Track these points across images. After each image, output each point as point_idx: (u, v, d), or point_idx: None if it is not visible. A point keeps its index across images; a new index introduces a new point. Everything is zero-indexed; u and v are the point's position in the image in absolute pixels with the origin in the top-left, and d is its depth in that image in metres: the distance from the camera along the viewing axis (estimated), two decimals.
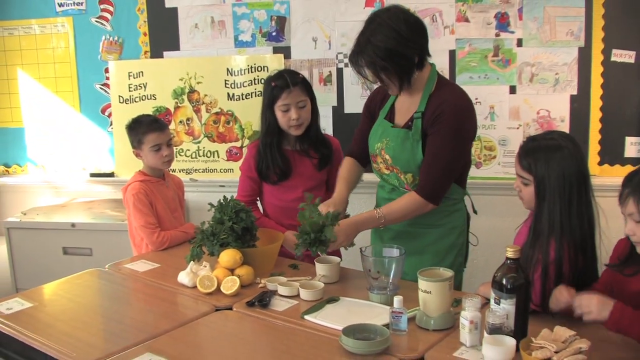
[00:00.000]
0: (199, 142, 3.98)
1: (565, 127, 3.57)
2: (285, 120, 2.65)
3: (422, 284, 1.91)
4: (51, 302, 2.22)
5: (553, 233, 1.96)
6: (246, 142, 3.90)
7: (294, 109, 2.62)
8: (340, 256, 2.67)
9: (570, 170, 1.96)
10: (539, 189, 1.99)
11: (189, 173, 3.96)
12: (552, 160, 1.97)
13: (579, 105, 3.55)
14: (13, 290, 3.75)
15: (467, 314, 1.78)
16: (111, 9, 3.97)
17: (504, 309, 1.75)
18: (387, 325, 1.87)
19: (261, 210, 2.87)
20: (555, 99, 3.56)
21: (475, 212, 2.62)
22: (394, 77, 2.23)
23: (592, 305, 1.74)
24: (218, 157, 3.97)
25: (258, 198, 2.88)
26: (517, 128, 3.60)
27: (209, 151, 3.97)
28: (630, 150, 3.52)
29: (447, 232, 2.43)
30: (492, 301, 1.79)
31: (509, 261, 1.77)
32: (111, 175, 4.12)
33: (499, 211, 3.70)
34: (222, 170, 3.97)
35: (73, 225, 3.61)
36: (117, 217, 3.68)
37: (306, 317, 2.01)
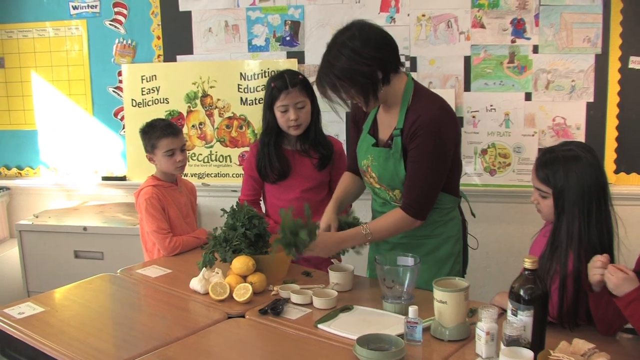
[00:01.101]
0: (212, 146, 3.96)
1: (581, 135, 3.53)
2: (284, 120, 2.68)
3: (438, 294, 1.89)
4: (63, 307, 2.20)
5: (571, 245, 1.92)
6: None
7: (292, 110, 2.65)
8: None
9: (590, 181, 1.93)
10: (557, 201, 1.96)
11: (201, 178, 3.94)
12: (571, 172, 1.93)
13: (595, 113, 3.50)
14: (24, 293, 3.75)
15: (484, 325, 1.75)
16: (125, 12, 3.96)
17: (521, 320, 1.72)
18: (401, 336, 1.85)
19: (263, 211, 2.89)
20: (571, 106, 3.52)
21: (473, 215, 2.60)
22: (358, 96, 2.20)
23: (618, 277, 1.72)
24: (230, 161, 3.95)
25: (262, 199, 2.91)
26: (532, 135, 3.56)
27: (222, 156, 3.96)
28: None
29: (443, 241, 2.42)
30: (509, 312, 1.76)
31: (526, 272, 1.74)
32: (123, 179, 4.11)
33: (513, 219, 3.68)
34: (234, 175, 3.95)
35: (85, 229, 3.60)
36: (128, 221, 3.67)
37: (320, 325, 1.98)
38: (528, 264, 1.74)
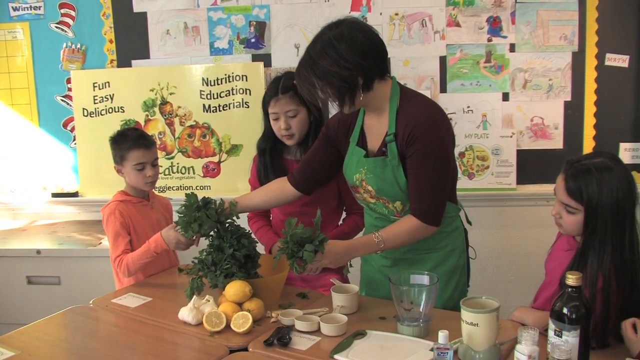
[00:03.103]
0: (173, 157, 3.69)
1: (559, 134, 3.47)
2: (276, 128, 2.50)
3: (468, 315, 1.73)
4: (36, 349, 1.90)
5: (602, 267, 1.78)
6: (224, 156, 3.64)
7: (282, 118, 2.46)
8: (342, 279, 2.47)
9: (622, 196, 1.78)
10: (589, 219, 1.80)
11: (162, 191, 3.65)
12: (604, 186, 1.77)
13: (573, 112, 3.44)
14: None
15: (525, 349, 1.61)
16: (73, 13, 3.65)
17: (567, 341, 1.58)
18: None
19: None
20: (549, 105, 3.45)
21: (469, 222, 2.46)
22: (333, 98, 2.05)
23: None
24: (193, 173, 3.70)
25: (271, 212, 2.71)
26: (511, 136, 3.46)
27: (184, 167, 3.70)
28: (624, 157, 3.42)
29: (448, 254, 2.26)
30: (551, 333, 1.62)
31: (570, 289, 1.60)
32: (75, 195, 3.79)
33: (493, 223, 3.58)
34: (198, 188, 3.68)
35: (38, 252, 3.26)
36: (85, 242, 3.35)
37: (336, 356, 1.79)
38: (572, 280, 1.60)
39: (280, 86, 2.44)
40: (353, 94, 2.03)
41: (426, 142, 2.05)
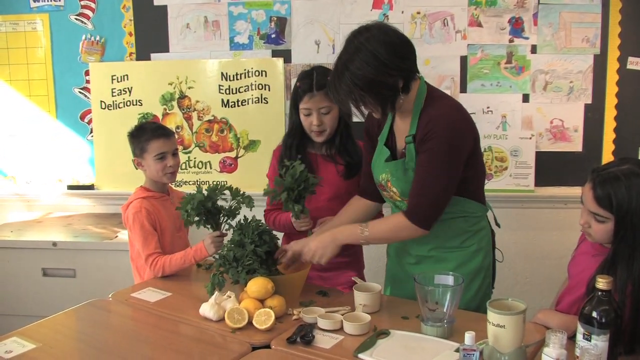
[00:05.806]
0: (190, 152, 3.68)
1: (579, 137, 3.44)
2: (307, 124, 2.47)
3: (495, 317, 1.71)
4: (57, 342, 1.89)
5: (631, 277, 1.75)
6: (241, 152, 3.63)
7: (315, 115, 2.42)
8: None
9: None
10: (619, 226, 1.77)
11: (178, 186, 3.64)
12: (634, 192, 1.74)
13: (593, 115, 3.42)
14: None
15: (553, 351, 1.59)
16: (93, 5, 3.64)
17: (596, 345, 1.57)
18: None
19: None
20: (570, 108, 3.42)
21: (498, 225, 2.43)
22: (375, 105, 2.02)
23: None
24: (210, 168, 3.68)
25: None
26: (530, 138, 3.44)
27: (201, 162, 3.68)
28: None
29: (473, 254, 2.23)
30: (579, 337, 1.61)
31: (599, 293, 1.59)
32: (91, 187, 3.78)
33: (510, 225, 3.54)
34: (214, 183, 3.67)
35: (54, 244, 3.25)
36: (101, 235, 3.35)
37: (361, 355, 1.77)
38: (602, 284, 1.59)
39: (315, 83, 2.40)
40: (395, 98, 2.02)
41: (439, 143, 2.02)
